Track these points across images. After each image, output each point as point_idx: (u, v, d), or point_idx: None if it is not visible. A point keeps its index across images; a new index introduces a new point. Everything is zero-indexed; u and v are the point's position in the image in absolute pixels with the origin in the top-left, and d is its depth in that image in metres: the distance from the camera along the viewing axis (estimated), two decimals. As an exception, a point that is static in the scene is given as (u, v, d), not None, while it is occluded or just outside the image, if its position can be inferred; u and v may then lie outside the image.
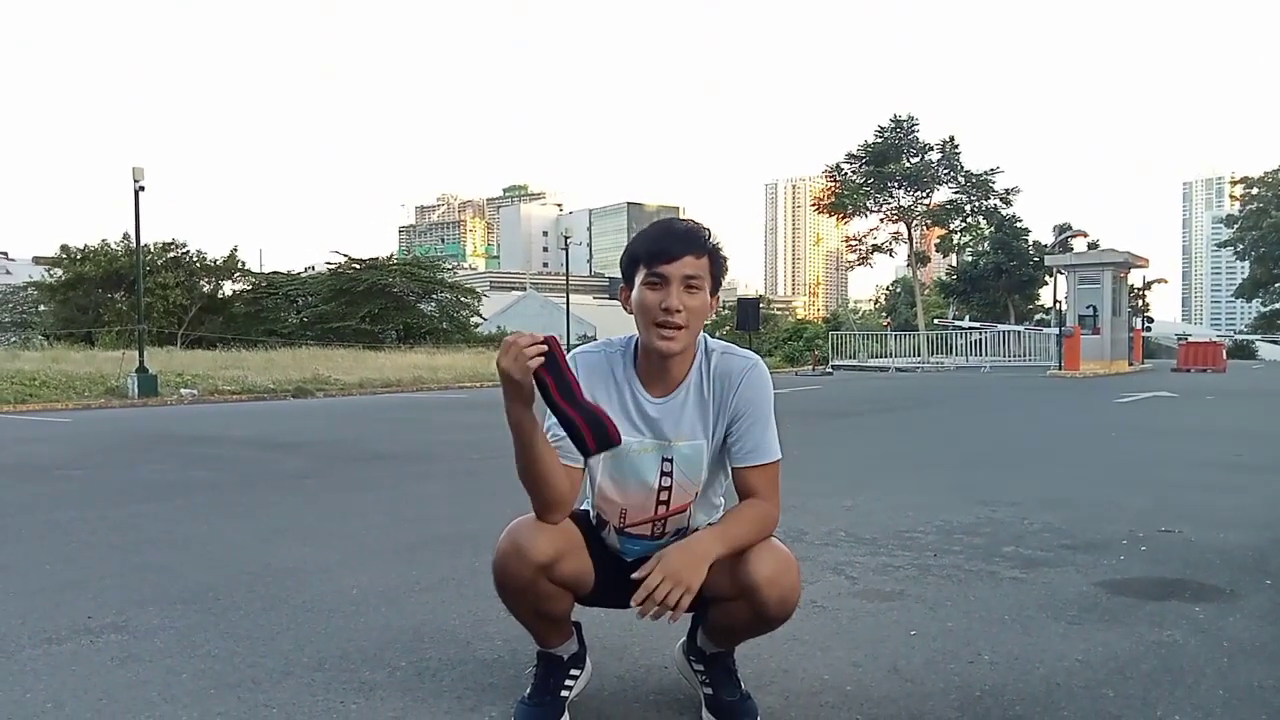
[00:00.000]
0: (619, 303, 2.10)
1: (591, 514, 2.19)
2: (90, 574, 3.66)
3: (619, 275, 2.13)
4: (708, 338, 2.10)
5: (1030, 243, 44.82)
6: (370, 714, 2.25)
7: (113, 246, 34.31)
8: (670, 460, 2.07)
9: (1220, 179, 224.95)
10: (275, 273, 40.35)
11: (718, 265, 2.01)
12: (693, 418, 2.06)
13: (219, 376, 17.55)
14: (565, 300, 34.34)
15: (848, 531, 4.32)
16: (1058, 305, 28.47)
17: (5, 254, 63.49)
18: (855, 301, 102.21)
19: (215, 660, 2.62)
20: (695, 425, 2.06)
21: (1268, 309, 52.89)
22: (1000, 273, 44.71)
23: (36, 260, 40.24)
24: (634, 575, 1.90)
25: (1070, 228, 33.30)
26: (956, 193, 37.63)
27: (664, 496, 2.09)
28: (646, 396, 2.06)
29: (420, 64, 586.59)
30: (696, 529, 2.14)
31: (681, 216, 2.14)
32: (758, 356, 2.14)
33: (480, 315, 40.80)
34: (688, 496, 2.10)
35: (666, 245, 1.97)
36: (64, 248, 35.11)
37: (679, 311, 1.95)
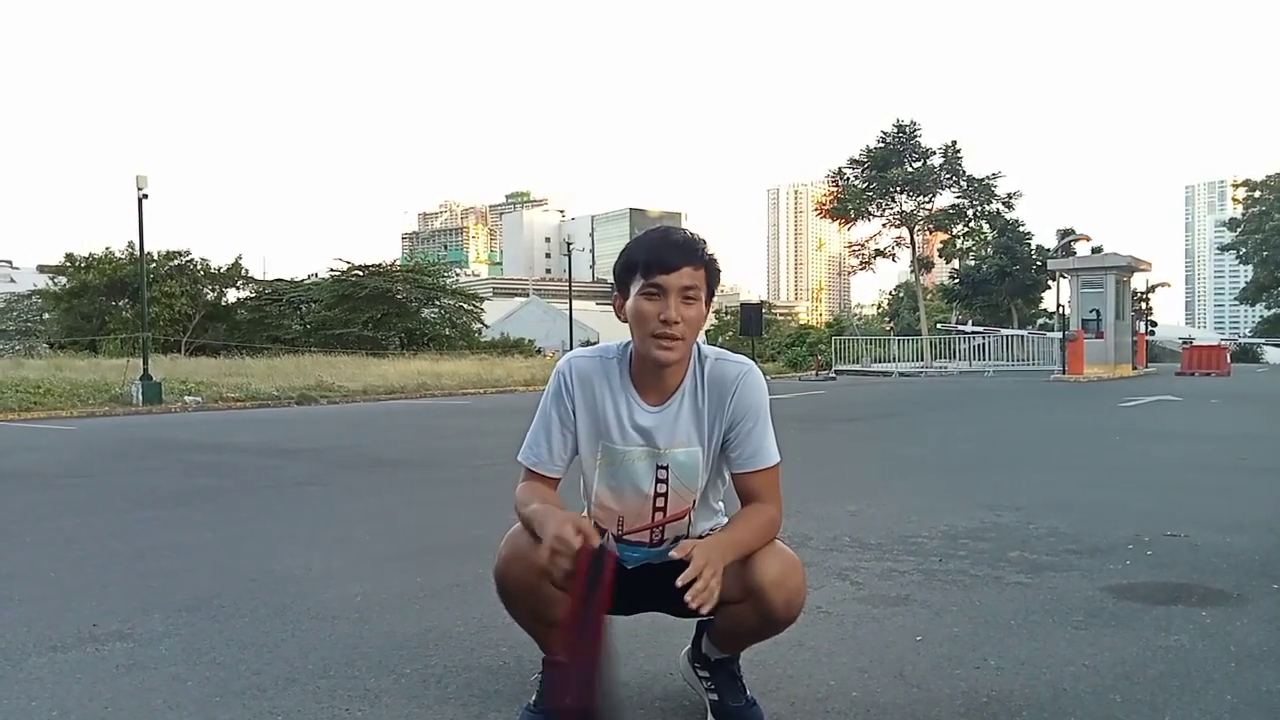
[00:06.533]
0: (612, 310, 2.10)
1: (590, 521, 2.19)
2: (95, 581, 3.66)
3: (618, 281, 2.11)
4: (701, 345, 2.11)
5: (1033, 247, 44.76)
6: (375, 721, 2.24)
7: (117, 255, 34.44)
8: (665, 468, 2.07)
9: (1222, 182, 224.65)
10: (279, 280, 40.45)
11: (713, 275, 2.02)
12: (688, 425, 2.06)
13: (223, 384, 17.56)
14: (568, 306, 34.43)
15: (852, 537, 4.32)
16: (1061, 309, 28.43)
17: (9, 262, 63.64)
18: (858, 306, 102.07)
19: (220, 667, 2.62)
20: (691, 432, 2.06)
21: (1271, 313, 52.64)
22: (1003, 277, 44.63)
23: (41, 269, 40.30)
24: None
25: (1073, 232, 33.22)
26: (959, 197, 37.60)
27: (660, 504, 2.09)
28: (642, 405, 2.06)
29: (423, 71, 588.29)
30: (698, 535, 2.14)
31: (681, 225, 2.13)
32: (751, 361, 2.14)
33: (483, 322, 40.84)
34: (684, 503, 2.10)
35: (665, 255, 1.96)
36: (68, 256, 35.27)
37: (678, 323, 1.95)
